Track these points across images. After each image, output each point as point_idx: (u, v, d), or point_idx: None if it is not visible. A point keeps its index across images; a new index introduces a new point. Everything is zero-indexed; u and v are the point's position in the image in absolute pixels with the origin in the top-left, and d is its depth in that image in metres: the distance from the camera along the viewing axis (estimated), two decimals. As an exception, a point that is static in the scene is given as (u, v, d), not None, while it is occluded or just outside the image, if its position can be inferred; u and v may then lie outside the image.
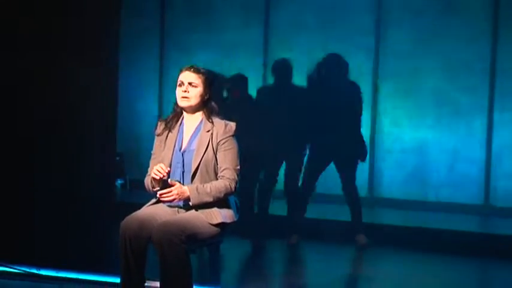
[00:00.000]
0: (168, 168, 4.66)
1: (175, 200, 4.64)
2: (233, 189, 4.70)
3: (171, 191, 4.59)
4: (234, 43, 9.30)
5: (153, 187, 4.71)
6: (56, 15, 7.33)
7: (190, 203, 4.65)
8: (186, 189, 4.63)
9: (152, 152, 4.86)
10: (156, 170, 4.61)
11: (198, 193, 4.63)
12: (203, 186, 4.66)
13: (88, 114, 7.59)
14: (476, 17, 8.87)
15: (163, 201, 4.69)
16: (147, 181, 4.76)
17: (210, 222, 4.67)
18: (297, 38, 9.01)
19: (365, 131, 9.10)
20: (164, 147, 4.82)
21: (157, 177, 4.62)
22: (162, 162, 4.69)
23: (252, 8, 9.56)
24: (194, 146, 4.77)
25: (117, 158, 8.90)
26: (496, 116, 8.92)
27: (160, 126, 4.88)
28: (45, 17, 7.28)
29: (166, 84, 9.63)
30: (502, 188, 8.82)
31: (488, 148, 8.95)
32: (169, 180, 4.66)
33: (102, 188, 7.97)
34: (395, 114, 9.12)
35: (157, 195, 4.66)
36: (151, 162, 4.79)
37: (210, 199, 4.65)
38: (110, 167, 8.34)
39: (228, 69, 8.85)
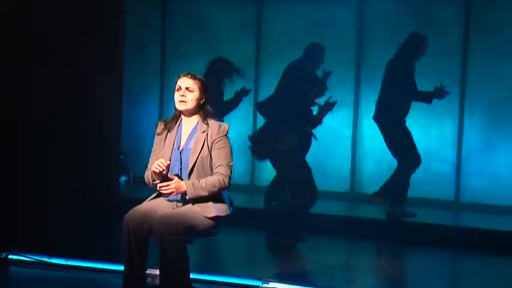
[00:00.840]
0: (168, 162, 4.67)
1: (173, 193, 4.63)
2: (226, 184, 4.70)
3: (169, 185, 4.59)
4: (228, 53, 9.26)
5: (153, 180, 4.71)
6: (73, 30, 7.37)
7: (187, 197, 4.65)
8: (183, 184, 4.63)
9: (152, 150, 4.87)
10: (157, 164, 4.62)
11: (194, 188, 4.63)
12: (199, 181, 4.65)
13: (96, 116, 7.62)
14: (448, 31, 8.87)
15: (163, 194, 4.69)
16: (147, 175, 4.76)
17: (206, 215, 4.68)
18: (286, 49, 8.97)
19: (348, 132, 9.20)
20: (163, 145, 4.82)
21: (158, 171, 4.62)
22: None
23: (246, 21, 9.54)
24: (191, 145, 4.77)
25: (121, 157, 8.88)
26: (466, 120, 8.94)
27: (160, 126, 4.88)
28: (63, 31, 7.34)
29: (167, 89, 9.62)
30: (470, 186, 8.82)
31: (458, 149, 8.96)
32: (168, 174, 4.66)
33: (107, 184, 7.99)
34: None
35: (157, 188, 4.66)
36: (151, 159, 4.80)
37: (205, 193, 4.64)
38: (115, 164, 8.35)
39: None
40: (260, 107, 7.83)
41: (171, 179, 4.60)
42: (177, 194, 4.64)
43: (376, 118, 7.79)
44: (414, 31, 7.72)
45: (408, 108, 7.73)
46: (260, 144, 7.36)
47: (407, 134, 7.74)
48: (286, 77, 7.67)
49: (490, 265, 6.89)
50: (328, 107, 7.13)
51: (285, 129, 7.07)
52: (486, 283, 6.20)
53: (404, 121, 7.74)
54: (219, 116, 7.51)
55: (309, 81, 7.29)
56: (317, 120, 7.17)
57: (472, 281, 6.44)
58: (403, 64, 7.61)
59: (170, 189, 4.59)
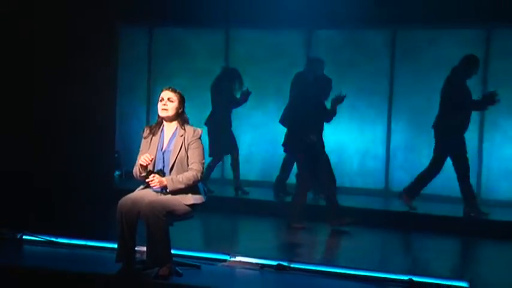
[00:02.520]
0: (152, 156, 4.72)
1: (157, 186, 4.67)
2: (199, 177, 4.74)
3: (154, 179, 4.64)
4: (202, 71, 9.27)
5: (140, 173, 4.73)
6: (76, 48, 7.47)
7: (167, 190, 4.70)
8: (164, 179, 4.68)
9: (140, 150, 4.89)
10: (143, 158, 4.68)
11: (173, 182, 4.68)
12: (177, 176, 4.69)
13: (94, 121, 7.62)
14: (378, 54, 8.89)
15: (149, 186, 4.73)
16: (135, 170, 4.79)
17: (185, 202, 4.70)
18: (249, 68, 8.99)
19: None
20: (149, 147, 4.84)
21: (144, 164, 4.68)
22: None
23: (216, 45, 9.51)
24: (171, 147, 4.80)
25: (116, 155, 8.81)
26: (393, 125, 8.95)
27: (146, 131, 4.91)
28: (62, 52, 7.27)
29: (152, 100, 9.55)
30: (397, 177, 8.86)
31: (387, 148, 8.98)
32: (153, 169, 4.73)
33: (104, 177, 7.95)
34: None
35: (145, 181, 4.71)
36: (138, 157, 4.82)
37: (182, 186, 4.69)
38: (110, 161, 8.31)
39: (199, 91, 8.84)
40: (281, 120, 7.79)
41: (155, 173, 4.67)
42: (160, 187, 4.69)
43: (436, 127, 7.42)
44: (468, 54, 7.33)
45: (468, 121, 7.31)
46: (289, 144, 7.14)
47: (464, 144, 7.29)
48: (295, 86, 7.80)
49: (413, 240, 6.97)
50: (339, 100, 6.95)
51: (306, 128, 6.88)
52: (411, 255, 6.30)
53: (463, 132, 7.32)
54: (229, 111, 8.06)
55: (313, 85, 7.15)
56: (333, 112, 6.99)
57: (398, 253, 6.51)
58: (459, 82, 7.22)
59: (154, 182, 4.65)
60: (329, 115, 7.06)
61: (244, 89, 8.07)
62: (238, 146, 8.34)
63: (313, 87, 7.12)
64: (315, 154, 6.93)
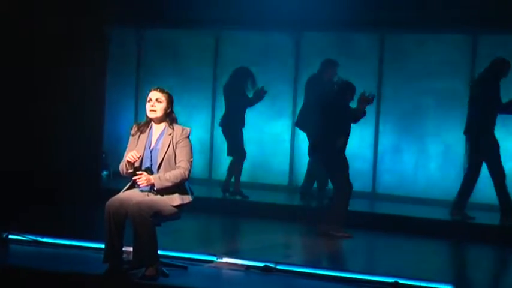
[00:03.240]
0: (140, 154, 4.69)
1: (144, 184, 4.65)
2: (187, 176, 4.73)
3: (141, 175, 4.61)
4: (191, 73, 9.27)
5: (127, 169, 4.71)
6: (67, 49, 7.49)
7: (155, 188, 4.68)
8: (151, 177, 4.66)
9: (127, 147, 4.86)
10: (131, 154, 4.65)
11: (161, 180, 4.66)
12: (164, 174, 4.67)
13: (82, 122, 7.63)
14: (367, 57, 8.90)
15: (136, 184, 4.70)
16: (121, 166, 4.76)
17: (172, 204, 4.70)
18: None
19: (287, 137, 9.22)
20: (137, 145, 4.82)
21: (132, 160, 4.65)
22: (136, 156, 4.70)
23: (205, 47, 9.51)
24: (159, 145, 4.79)
25: (103, 155, 8.79)
26: (381, 128, 8.96)
27: (135, 128, 4.89)
28: (52, 53, 7.31)
29: (141, 101, 9.54)
30: (384, 180, 8.89)
31: (375, 151, 8.99)
32: (142, 167, 4.71)
33: (92, 177, 7.93)
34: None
35: (132, 179, 4.68)
36: (125, 155, 4.78)
37: (169, 184, 4.67)
38: (98, 161, 8.30)
39: (187, 93, 8.84)
40: (299, 124, 7.76)
41: (142, 171, 4.64)
42: (147, 185, 4.67)
43: (467, 132, 7.37)
44: (498, 57, 7.27)
45: (495, 122, 7.24)
46: (318, 148, 6.95)
47: (497, 143, 7.21)
48: (311, 89, 7.79)
49: (399, 243, 6.98)
50: (367, 100, 6.76)
51: (335, 133, 6.74)
52: (397, 257, 6.30)
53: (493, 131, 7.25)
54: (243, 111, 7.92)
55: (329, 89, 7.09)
56: (360, 111, 6.81)
57: (385, 255, 6.55)
58: (489, 85, 7.15)
59: (142, 180, 4.62)
60: (356, 116, 6.83)
61: (259, 87, 7.95)
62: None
63: (336, 92, 6.97)
64: (345, 158, 6.77)
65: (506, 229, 7.05)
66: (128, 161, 4.67)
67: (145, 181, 4.64)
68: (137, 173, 4.66)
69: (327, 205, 7.04)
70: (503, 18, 7.96)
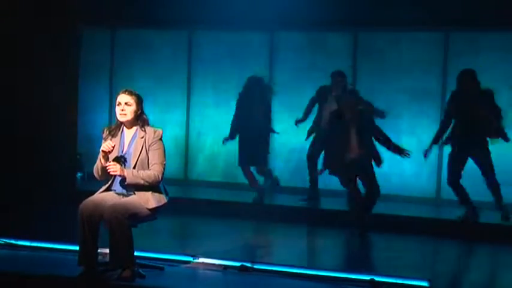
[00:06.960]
0: (114, 144, 4.66)
1: (117, 174, 4.62)
2: (159, 178, 4.71)
3: (115, 165, 4.59)
4: (165, 72, 9.22)
5: (102, 163, 4.67)
6: (37, 49, 7.42)
7: (126, 182, 4.64)
8: (124, 170, 4.63)
9: (100, 151, 4.76)
10: (106, 145, 4.63)
11: (133, 175, 4.64)
12: (138, 171, 4.66)
13: (56, 125, 7.56)
14: (340, 56, 8.91)
15: (110, 173, 4.65)
16: (96, 167, 4.74)
17: (147, 206, 4.68)
18: (213, 68, 8.97)
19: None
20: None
21: (106, 150, 4.63)
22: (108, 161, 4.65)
23: (179, 46, 9.48)
24: (132, 149, 4.76)
25: (78, 157, 8.73)
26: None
27: (106, 132, 4.87)
28: (23, 52, 7.24)
29: (115, 100, 9.42)
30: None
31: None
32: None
33: (66, 179, 7.87)
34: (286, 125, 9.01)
35: (106, 168, 4.63)
36: (98, 158, 4.75)
37: (141, 181, 4.64)
38: (72, 163, 8.24)
39: (162, 92, 8.77)
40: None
41: (115, 161, 4.62)
42: (120, 175, 4.63)
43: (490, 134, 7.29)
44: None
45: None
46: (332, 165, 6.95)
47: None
48: (322, 101, 7.83)
49: (376, 240, 7.00)
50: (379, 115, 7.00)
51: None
52: (373, 255, 6.33)
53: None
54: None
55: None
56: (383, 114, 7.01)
57: (361, 253, 6.57)
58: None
59: (115, 169, 4.59)
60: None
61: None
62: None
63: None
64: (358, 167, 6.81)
65: (467, 225, 7.12)
66: (102, 151, 4.63)
67: (118, 170, 4.60)
68: (110, 161, 4.60)
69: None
70: (473, 16, 8.06)
